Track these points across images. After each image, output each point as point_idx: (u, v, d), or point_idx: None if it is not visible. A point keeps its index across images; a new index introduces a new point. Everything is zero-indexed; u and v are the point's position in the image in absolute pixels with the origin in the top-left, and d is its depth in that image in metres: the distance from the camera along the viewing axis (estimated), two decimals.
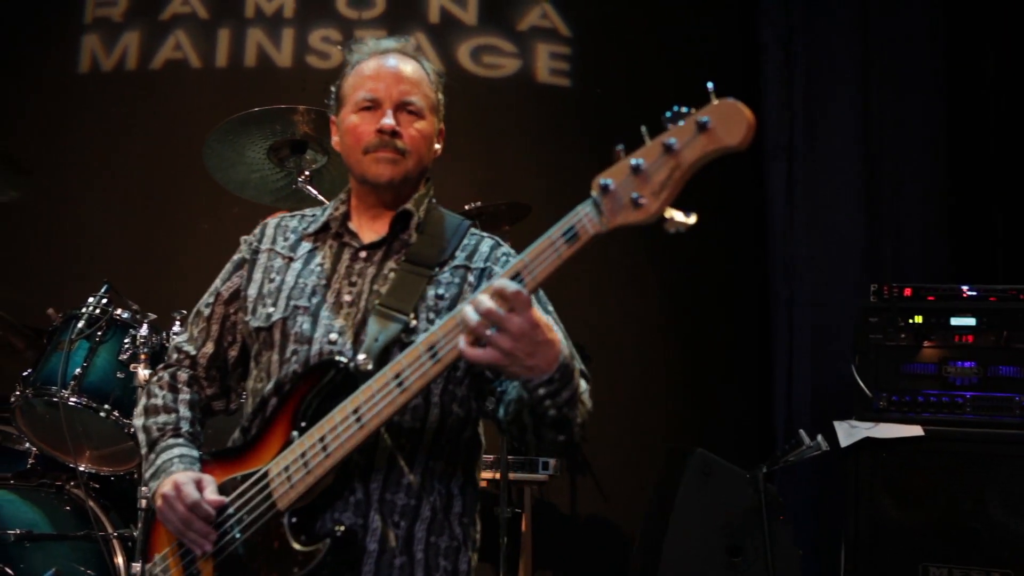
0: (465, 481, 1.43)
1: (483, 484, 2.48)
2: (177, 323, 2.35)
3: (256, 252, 1.47)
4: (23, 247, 3.23)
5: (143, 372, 2.30)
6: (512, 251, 1.47)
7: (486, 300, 1.14)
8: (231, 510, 1.29)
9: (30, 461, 2.49)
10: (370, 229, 1.44)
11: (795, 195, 3.18)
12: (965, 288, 2.67)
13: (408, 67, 1.45)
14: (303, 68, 3.27)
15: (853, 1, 3.28)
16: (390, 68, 1.43)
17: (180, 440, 1.41)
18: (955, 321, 2.65)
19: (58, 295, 2.56)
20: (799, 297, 3.17)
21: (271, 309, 1.38)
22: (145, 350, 2.31)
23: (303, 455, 1.23)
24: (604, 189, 1.11)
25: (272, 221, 1.54)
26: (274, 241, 1.46)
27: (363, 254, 1.42)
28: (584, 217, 1.12)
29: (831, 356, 3.06)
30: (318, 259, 1.42)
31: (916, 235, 3.14)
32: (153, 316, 2.34)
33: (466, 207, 2.46)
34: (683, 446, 2.68)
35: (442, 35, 3.02)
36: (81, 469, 2.39)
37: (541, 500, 2.95)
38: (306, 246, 1.45)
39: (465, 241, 1.46)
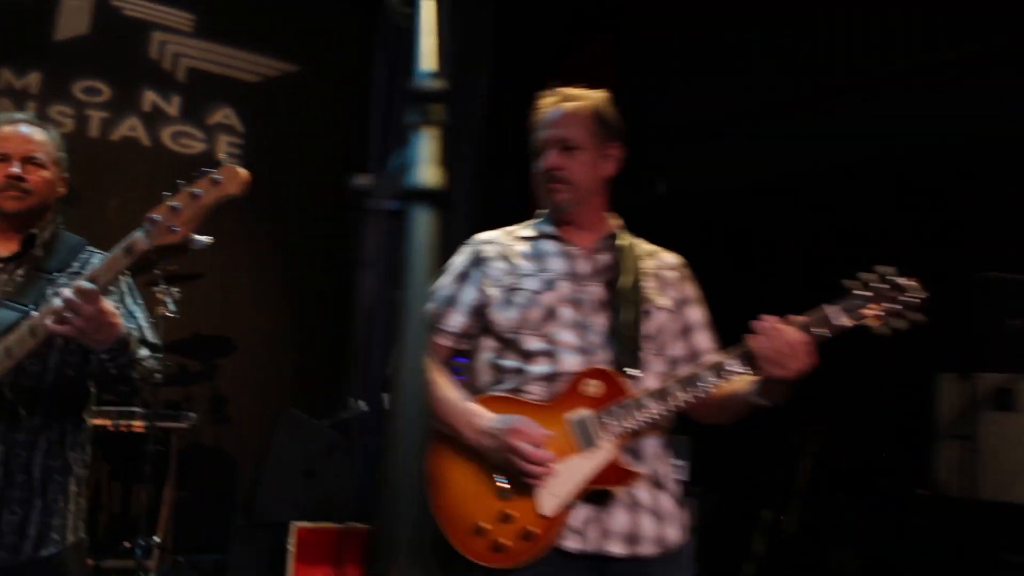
0: (76, 422, 1.85)
1: (141, 429, 3.47)
2: None
3: None
4: None
5: None
6: None
7: (68, 293, 1.53)
8: None
9: None
10: (5, 248, 1.85)
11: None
12: None
13: (36, 132, 1.88)
14: None
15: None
16: (19, 132, 1.85)
17: None
18: None
19: None
20: (382, 308, 4.51)
21: None
22: None
23: None
24: (152, 221, 1.56)
25: None
26: None
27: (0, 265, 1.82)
28: (138, 239, 1.56)
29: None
30: None
31: None
32: None
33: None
34: (286, 408, 3.95)
35: (153, 121, 4.27)
36: None
37: (193, 442, 4.07)
38: None
39: (82, 255, 1.90)
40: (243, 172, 1.57)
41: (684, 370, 1.72)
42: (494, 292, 1.71)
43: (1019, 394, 4.40)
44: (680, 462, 4.09)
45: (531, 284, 1.69)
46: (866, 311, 1.56)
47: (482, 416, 1.59)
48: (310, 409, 3.83)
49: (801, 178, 4.48)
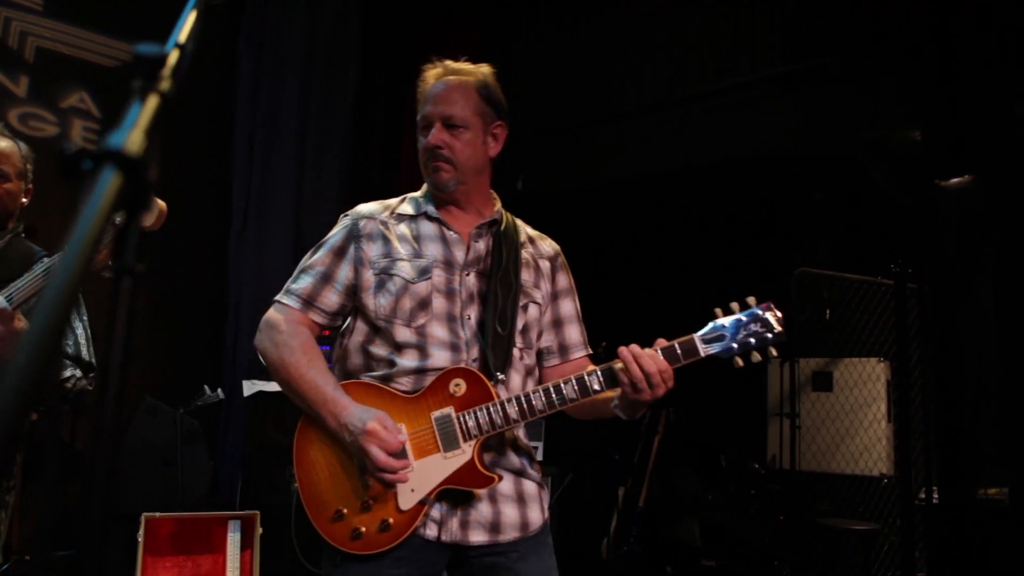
0: None
1: None
2: None
3: None
4: None
5: None
6: None
7: None
8: None
9: None
10: None
11: (248, 229, 4.67)
12: None
13: (2, 145, 1.97)
14: None
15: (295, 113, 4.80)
16: None
17: None
18: None
19: None
20: (246, 301, 4.53)
21: None
22: None
23: None
24: None
25: None
26: None
27: None
28: (56, 259, 1.60)
29: None
30: None
31: None
32: None
33: None
34: (147, 397, 3.91)
35: None
36: None
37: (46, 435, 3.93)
38: None
39: (36, 266, 1.92)
40: (162, 204, 1.58)
41: (551, 363, 1.77)
42: (368, 275, 1.67)
43: (834, 376, 4.95)
44: (535, 443, 4.35)
45: (406, 271, 1.65)
46: (730, 344, 1.59)
47: (345, 408, 1.57)
48: (171, 398, 3.81)
49: (646, 180, 4.83)
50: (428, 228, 1.71)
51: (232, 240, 4.61)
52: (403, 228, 1.71)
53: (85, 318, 2.03)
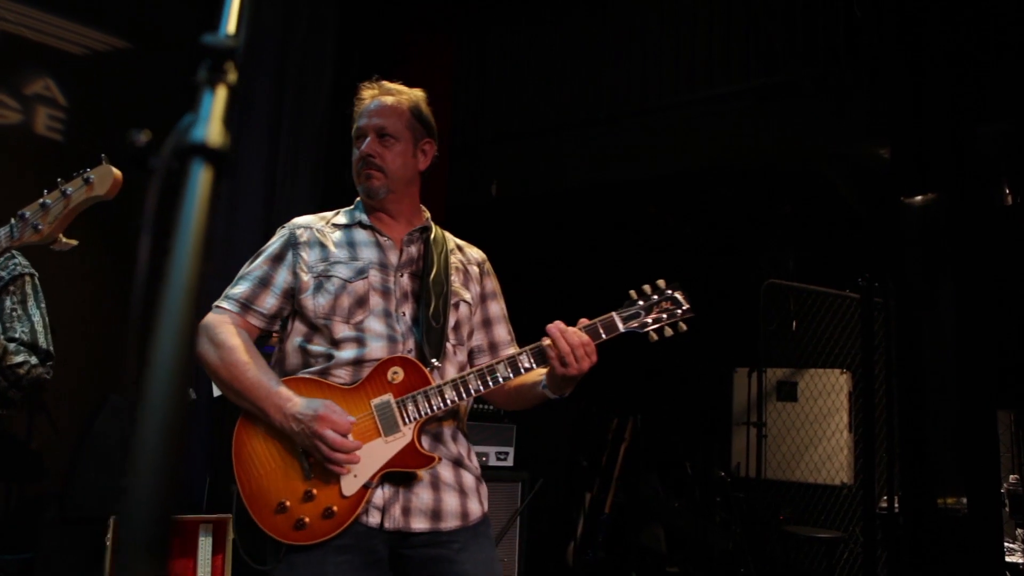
0: None
1: None
2: None
3: None
4: None
5: None
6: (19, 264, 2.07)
7: None
8: None
9: None
10: None
11: (217, 231, 4.60)
12: None
13: None
14: None
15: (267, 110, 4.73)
16: None
17: None
18: None
19: None
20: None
21: None
22: None
23: None
24: (21, 217, 1.62)
25: None
26: None
27: None
28: (2, 235, 1.63)
29: None
30: None
31: None
32: None
33: None
34: (111, 395, 3.80)
35: None
36: None
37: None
38: None
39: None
40: (117, 173, 1.56)
41: (481, 361, 1.85)
42: (306, 278, 1.74)
43: (799, 387, 5.05)
44: (505, 448, 4.34)
45: (343, 272, 1.73)
46: (644, 319, 1.75)
47: (290, 400, 1.62)
48: (132, 395, 3.70)
49: (616, 187, 4.86)
50: (362, 235, 1.82)
51: None
52: (338, 235, 1.81)
53: (43, 305, 2.00)
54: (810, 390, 5.18)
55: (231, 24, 0.81)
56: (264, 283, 1.76)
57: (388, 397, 1.67)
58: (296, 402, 1.62)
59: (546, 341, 1.67)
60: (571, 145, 4.65)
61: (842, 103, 4.04)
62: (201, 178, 0.64)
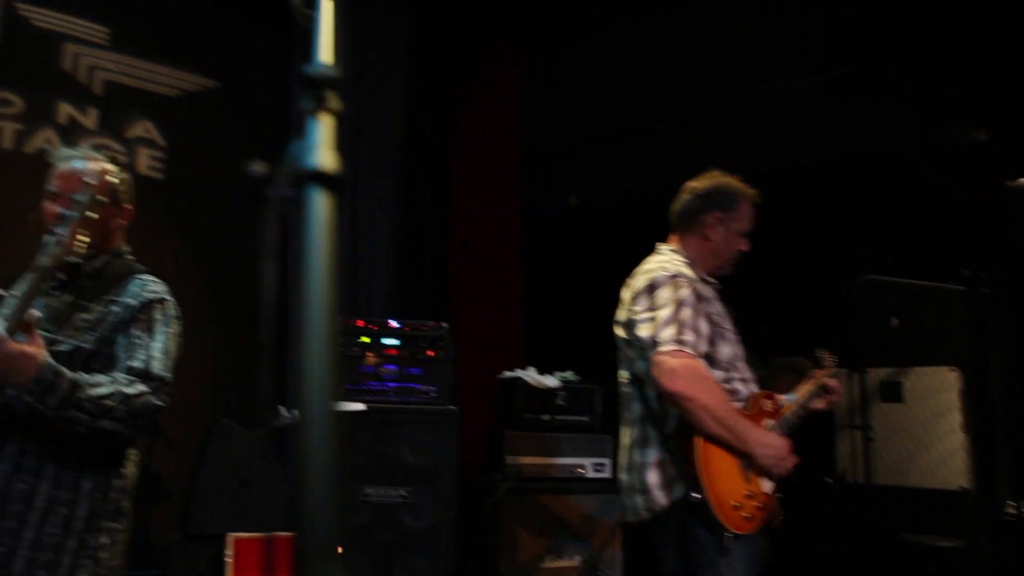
0: (81, 461, 1.85)
1: None
2: None
3: None
4: None
5: None
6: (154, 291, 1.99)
7: None
8: None
9: None
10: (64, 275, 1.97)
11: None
12: (392, 321, 3.90)
13: (87, 167, 1.93)
14: None
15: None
16: (70, 168, 1.95)
17: None
18: (384, 341, 3.81)
19: None
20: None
21: None
22: None
23: None
24: (54, 234, 1.68)
25: None
26: None
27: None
28: (41, 260, 1.66)
29: None
30: None
31: (377, 295, 4.79)
32: None
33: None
34: (218, 416, 3.91)
35: (69, 133, 4.19)
36: None
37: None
38: None
39: (131, 285, 1.94)
40: (108, 167, 1.67)
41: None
42: (708, 326, 2.26)
43: (904, 386, 4.79)
44: (603, 460, 4.27)
45: (728, 324, 2.33)
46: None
47: (764, 432, 2.22)
48: (241, 418, 3.82)
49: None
50: (707, 290, 2.36)
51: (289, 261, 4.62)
52: (701, 288, 2.31)
53: (169, 330, 1.98)
54: (917, 389, 4.91)
55: (325, 53, 0.84)
56: (694, 328, 2.23)
57: (772, 422, 2.30)
58: (766, 434, 2.24)
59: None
60: (654, 147, 4.59)
61: (933, 86, 3.88)
62: (321, 203, 0.66)
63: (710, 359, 2.17)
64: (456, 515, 3.72)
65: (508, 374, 4.22)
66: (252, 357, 4.47)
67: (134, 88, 4.38)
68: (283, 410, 3.81)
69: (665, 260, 2.26)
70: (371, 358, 3.79)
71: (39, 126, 4.07)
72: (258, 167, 0.75)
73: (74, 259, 1.79)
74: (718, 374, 2.18)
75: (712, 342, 2.19)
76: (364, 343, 3.84)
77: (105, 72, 4.28)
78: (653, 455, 2.15)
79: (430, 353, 3.84)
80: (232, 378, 4.33)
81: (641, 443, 2.20)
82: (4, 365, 1.60)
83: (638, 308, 2.15)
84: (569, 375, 4.27)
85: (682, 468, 2.07)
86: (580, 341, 4.28)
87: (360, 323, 3.95)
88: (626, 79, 4.77)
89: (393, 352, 3.83)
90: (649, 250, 5.63)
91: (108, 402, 1.75)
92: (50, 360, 1.68)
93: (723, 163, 4.60)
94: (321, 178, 0.67)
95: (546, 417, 4.12)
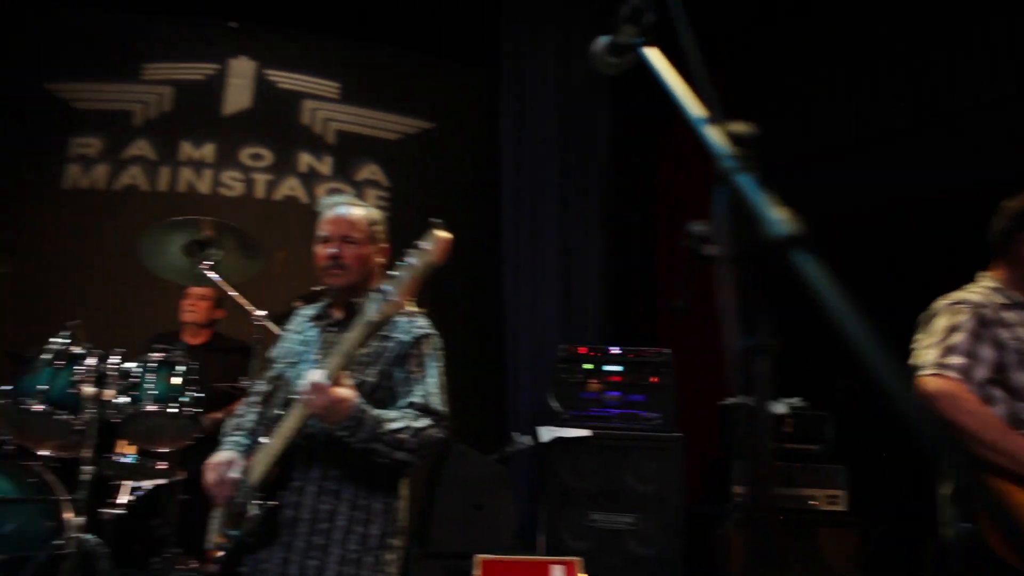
0: (372, 485, 1.98)
1: None
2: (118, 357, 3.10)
3: None
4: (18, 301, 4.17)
5: (87, 389, 2.97)
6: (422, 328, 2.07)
7: (305, 384, 1.78)
8: None
9: (8, 447, 3.07)
10: (338, 313, 2.11)
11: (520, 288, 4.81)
12: (613, 348, 3.91)
13: (352, 213, 2.05)
14: (216, 195, 4.64)
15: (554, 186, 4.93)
16: (338, 215, 2.05)
17: None
18: (606, 367, 3.82)
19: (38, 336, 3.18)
20: (523, 350, 4.66)
21: None
22: (90, 375, 3.03)
23: None
24: (383, 291, 1.72)
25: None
26: None
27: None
28: (370, 316, 1.73)
29: (540, 386, 4.28)
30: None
31: (591, 319, 4.80)
32: (100, 351, 3.08)
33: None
34: (451, 441, 4.03)
35: (309, 180, 4.62)
36: (42, 454, 3.03)
37: None
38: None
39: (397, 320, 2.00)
40: (444, 236, 1.64)
41: None
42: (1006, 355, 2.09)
43: None
44: (837, 492, 3.98)
45: None
46: None
47: None
48: (468, 442, 3.96)
49: (926, 202, 4.39)
50: (1015, 316, 2.13)
51: (506, 290, 4.76)
52: (1006, 314, 2.13)
53: (440, 364, 2.05)
54: None
55: (696, 108, 0.85)
56: (972, 356, 2.07)
57: None
58: None
59: None
60: (876, 159, 4.32)
61: None
62: (810, 264, 0.66)
63: (1006, 387, 2.04)
64: (683, 543, 3.62)
65: (731, 400, 4.07)
66: (485, 386, 4.65)
67: (362, 135, 4.76)
68: (517, 436, 3.90)
69: (966, 289, 2.19)
70: (594, 384, 3.79)
71: (285, 175, 4.53)
72: (699, 225, 0.75)
73: (357, 300, 1.93)
74: (1014, 402, 2.03)
75: (1004, 368, 2.04)
76: (587, 370, 3.85)
77: (337, 123, 4.68)
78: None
79: (653, 380, 3.79)
80: (466, 404, 4.50)
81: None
82: (327, 408, 1.77)
83: (918, 336, 2.13)
84: (796, 401, 4.04)
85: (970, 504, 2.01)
86: (808, 366, 4.04)
87: (583, 350, 3.96)
88: (840, 90, 4.53)
89: (616, 379, 3.81)
90: (876, 265, 5.25)
91: (402, 435, 1.86)
92: (360, 401, 1.82)
93: (954, 174, 4.24)
94: (798, 242, 0.67)
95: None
